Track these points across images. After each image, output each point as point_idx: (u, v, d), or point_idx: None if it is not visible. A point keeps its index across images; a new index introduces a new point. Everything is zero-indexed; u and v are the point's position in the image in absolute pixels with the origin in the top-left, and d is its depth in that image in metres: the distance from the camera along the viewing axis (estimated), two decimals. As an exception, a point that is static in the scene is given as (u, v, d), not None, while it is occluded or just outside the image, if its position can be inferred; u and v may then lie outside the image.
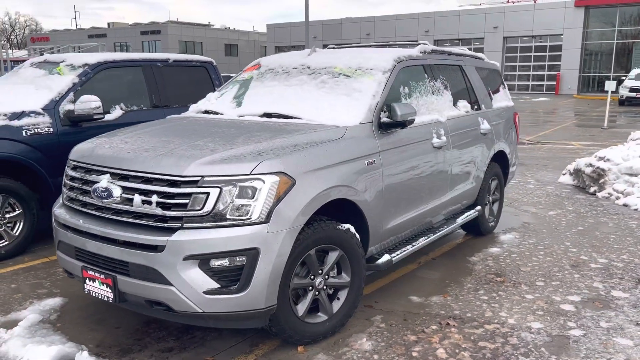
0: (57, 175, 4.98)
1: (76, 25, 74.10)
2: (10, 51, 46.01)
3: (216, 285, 2.87)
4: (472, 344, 3.35)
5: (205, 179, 2.88)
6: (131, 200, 2.99)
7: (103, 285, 3.08)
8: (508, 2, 40.88)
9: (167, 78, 6.20)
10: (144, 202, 2.95)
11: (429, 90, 4.50)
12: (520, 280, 4.41)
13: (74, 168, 3.42)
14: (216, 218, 2.85)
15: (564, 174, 8.67)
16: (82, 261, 3.21)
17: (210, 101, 4.49)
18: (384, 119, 3.78)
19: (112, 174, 3.12)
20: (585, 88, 36.65)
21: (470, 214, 5.12)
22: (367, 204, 3.57)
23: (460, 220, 4.91)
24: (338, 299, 3.47)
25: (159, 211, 2.90)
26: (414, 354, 3.23)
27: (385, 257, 3.85)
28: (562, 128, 16.77)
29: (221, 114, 4.16)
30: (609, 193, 7.38)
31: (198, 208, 2.85)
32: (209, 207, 2.85)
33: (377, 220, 3.73)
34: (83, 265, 3.19)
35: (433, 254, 5.11)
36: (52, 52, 39.32)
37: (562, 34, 36.26)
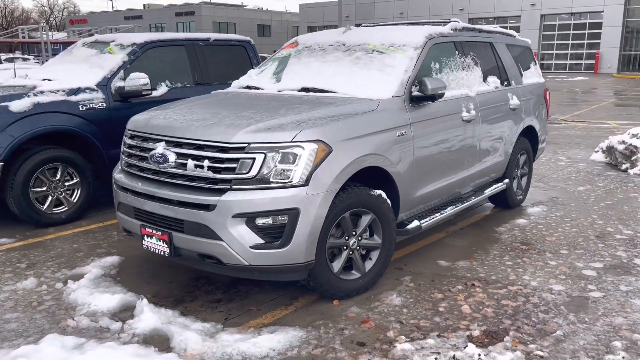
0: (110, 147, 5.39)
1: (112, 7, 75.57)
2: (50, 33, 47.27)
3: (261, 240, 3.19)
4: (495, 302, 3.60)
5: (251, 145, 3.19)
6: (185, 164, 3.32)
7: (160, 241, 3.45)
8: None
9: (208, 56, 6.53)
10: (196, 166, 3.28)
11: (459, 66, 4.69)
12: (545, 248, 4.62)
13: (132, 137, 3.78)
14: (261, 181, 3.17)
15: (596, 152, 8.70)
16: (140, 220, 3.58)
17: (251, 77, 4.79)
18: (415, 93, 4.01)
19: (167, 142, 3.47)
20: (626, 67, 35.67)
21: (499, 186, 5.32)
22: (398, 172, 3.84)
23: (488, 192, 5.12)
24: (370, 259, 3.76)
25: (210, 174, 3.23)
26: (440, 309, 3.51)
27: (415, 223, 4.12)
28: (599, 107, 16.54)
29: (262, 88, 4.46)
30: (640, 170, 7.43)
31: (245, 172, 3.17)
32: (254, 171, 3.16)
33: (408, 188, 3.99)
34: (141, 223, 3.56)
35: (461, 224, 5.35)
36: (91, 34, 40.30)
37: (602, 11, 35.23)
